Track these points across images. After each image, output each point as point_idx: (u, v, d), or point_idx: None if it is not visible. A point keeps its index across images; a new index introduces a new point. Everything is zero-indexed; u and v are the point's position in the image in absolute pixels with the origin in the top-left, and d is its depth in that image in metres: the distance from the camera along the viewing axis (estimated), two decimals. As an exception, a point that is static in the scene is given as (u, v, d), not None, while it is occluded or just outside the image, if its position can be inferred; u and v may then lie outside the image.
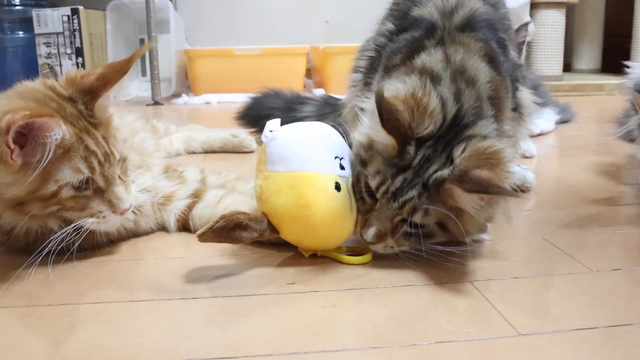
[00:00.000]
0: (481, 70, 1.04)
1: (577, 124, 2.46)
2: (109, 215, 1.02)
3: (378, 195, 0.95)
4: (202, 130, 1.98)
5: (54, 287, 0.94)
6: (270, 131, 1.03)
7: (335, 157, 1.00)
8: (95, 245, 1.08)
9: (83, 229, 1.01)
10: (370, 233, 0.96)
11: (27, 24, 3.29)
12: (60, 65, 3.28)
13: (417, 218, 0.93)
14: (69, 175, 0.96)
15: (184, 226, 1.18)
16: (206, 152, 1.90)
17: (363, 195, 0.98)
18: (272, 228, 0.99)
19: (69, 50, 3.27)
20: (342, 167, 1.00)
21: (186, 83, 3.52)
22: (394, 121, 0.92)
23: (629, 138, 1.84)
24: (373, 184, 0.95)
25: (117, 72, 1.03)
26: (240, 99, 3.20)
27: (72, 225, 1.00)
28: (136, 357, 0.73)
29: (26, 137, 0.91)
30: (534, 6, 3.41)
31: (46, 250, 0.98)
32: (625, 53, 3.49)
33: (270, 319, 0.83)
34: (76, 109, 0.99)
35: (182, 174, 1.33)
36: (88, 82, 1.02)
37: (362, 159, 0.99)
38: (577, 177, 1.62)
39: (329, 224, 0.97)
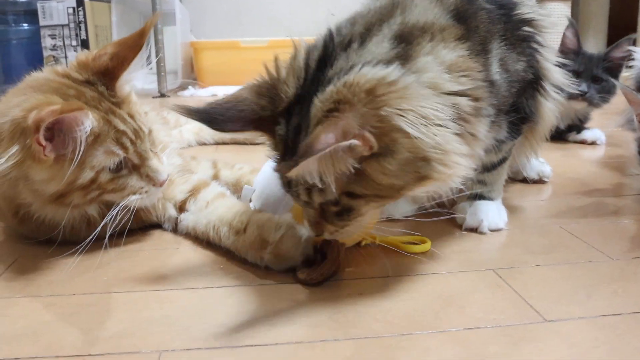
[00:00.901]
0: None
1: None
2: (150, 189, 1.02)
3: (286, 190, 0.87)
4: (213, 121, 1.97)
5: (77, 278, 0.94)
6: (250, 200, 1.04)
7: None
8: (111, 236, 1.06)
9: (129, 208, 1.01)
10: (307, 226, 0.90)
11: (31, 16, 3.28)
12: (66, 57, 3.27)
13: (317, 198, 0.81)
14: (103, 159, 0.96)
15: (176, 226, 1.13)
16: (217, 143, 1.90)
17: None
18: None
19: (74, 42, 3.26)
20: None
21: (192, 75, 3.51)
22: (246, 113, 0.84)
23: (631, 128, 1.85)
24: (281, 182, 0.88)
25: (131, 49, 1.02)
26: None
27: (119, 206, 1.00)
28: (163, 345, 0.73)
29: (53, 130, 0.90)
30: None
31: (93, 237, 0.99)
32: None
33: (297, 307, 0.83)
34: (96, 91, 0.98)
35: (195, 167, 1.30)
36: (103, 63, 1.00)
37: None
38: (587, 169, 1.62)
39: None
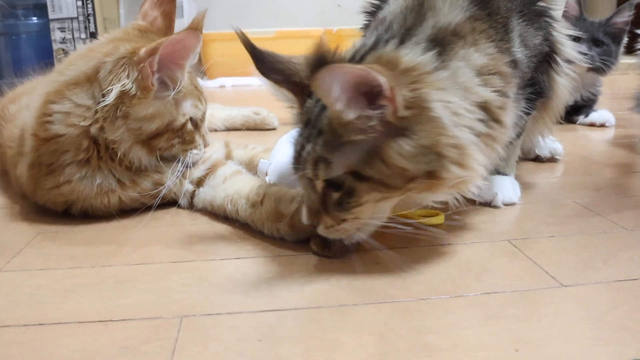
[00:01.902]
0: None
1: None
2: (202, 147, 1.15)
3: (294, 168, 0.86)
4: (223, 108, 1.98)
5: (96, 251, 0.95)
6: (266, 174, 1.08)
7: None
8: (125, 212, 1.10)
9: (194, 159, 1.13)
10: (304, 214, 0.86)
11: (40, 9, 3.29)
12: (75, 49, 3.28)
13: (322, 172, 0.79)
14: (191, 110, 1.10)
15: (192, 201, 1.14)
16: (228, 129, 1.91)
17: None
18: None
19: (83, 35, 3.27)
20: None
21: (200, 67, 3.52)
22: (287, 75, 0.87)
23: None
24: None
25: (167, 2, 1.14)
26: (255, 83, 3.23)
27: (190, 153, 1.12)
28: (184, 311, 0.74)
29: (159, 64, 1.01)
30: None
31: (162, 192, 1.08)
32: (638, 25, 3.47)
33: (315, 275, 0.84)
34: None
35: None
36: (160, 24, 1.15)
37: None
38: (600, 148, 1.63)
39: None
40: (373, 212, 0.82)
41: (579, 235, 0.96)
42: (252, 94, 2.99)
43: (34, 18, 3.32)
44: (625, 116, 2.02)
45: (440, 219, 1.01)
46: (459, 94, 0.80)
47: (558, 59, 1.06)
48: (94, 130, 1.01)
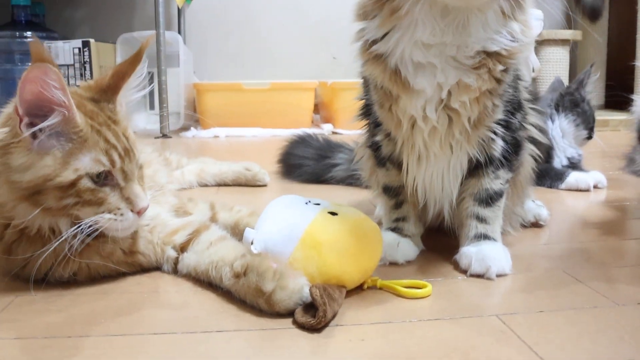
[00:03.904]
0: None
1: (585, 159, 2.46)
2: (126, 213, 1.01)
3: None
4: (214, 163, 1.98)
5: (75, 319, 0.92)
6: (251, 243, 1.01)
7: (306, 203, 1.03)
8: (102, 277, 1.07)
9: (98, 225, 0.99)
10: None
11: (37, 56, 3.32)
12: (69, 97, 3.30)
13: None
14: (88, 165, 0.97)
15: (176, 267, 1.11)
16: (219, 185, 1.90)
17: None
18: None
19: (79, 82, 3.29)
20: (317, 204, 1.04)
21: (194, 116, 3.54)
22: None
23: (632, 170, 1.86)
24: None
25: (130, 64, 1.08)
26: (249, 133, 3.25)
27: (89, 219, 0.98)
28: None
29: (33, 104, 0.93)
30: (539, 43, 3.45)
31: (49, 249, 0.97)
32: (628, 89, 3.52)
33: (298, 354, 0.81)
34: (97, 106, 1.03)
35: (192, 209, 1.29)
36: (105, 82, 1.07)
37: None
38: (590, 211, 1.62)
39: (352, 235, 0.98)
40: None
41: (569, 310, 0.94)
42: (246, 145, 3.00)
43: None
44: (615, 176, 2.02)
45: (427, 291, 0.99)
46: None
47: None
48: None
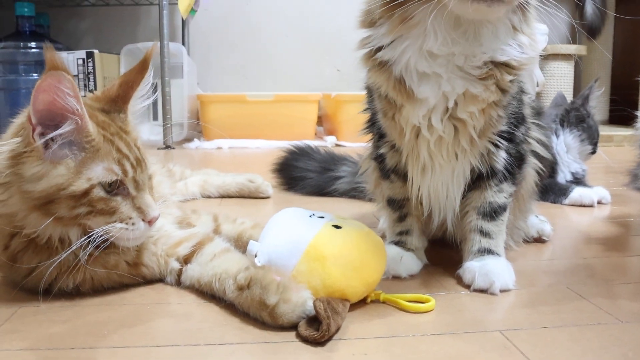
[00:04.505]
0: None
1: (589, 174, 2.46)
2: (138, 222, 1.01)
3: None
4: (218, 174, 1.99)
5: (77, 331, 0.92)
6: (255, 255, 1.00)
7: (310, 216, 1.04)
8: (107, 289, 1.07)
9: (109, 235, 0.99)
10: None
11: (42, 66, 3.30)
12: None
13: None
14: (101, 174, 0.97)
15: (179, 278, 1.11)
16: (222, 196, 1.90)
17: None
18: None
19: (83, 93, 3.29)
20: (321, 217, 1.04)
21: (198, 128, 3.55)
22: None
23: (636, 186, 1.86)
24: None
25: (137, 72, 1.09)
26: (253, 145, 3.26)
27: (100, 229, 0.98)
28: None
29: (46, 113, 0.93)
30: (543, 58, 3.47)
31: (60, 258, 0.97)
32: (633, 104, 3.52)
33: (300, 365, 0.81)
34: (108, 117, 1.03)
35: (195, 221, 1.28)
36: (113, 92, 1.07)
37: None
38: (594, 227, 1.62)
39: (356, 248, 0.99)
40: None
41: (572, 327, 0.94)
42: (249, 157, 3.01)
43: (35, 74, 3.37)
44: (619, 192, 2.02)
45: (430, 306, 0.99)
46: None
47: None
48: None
